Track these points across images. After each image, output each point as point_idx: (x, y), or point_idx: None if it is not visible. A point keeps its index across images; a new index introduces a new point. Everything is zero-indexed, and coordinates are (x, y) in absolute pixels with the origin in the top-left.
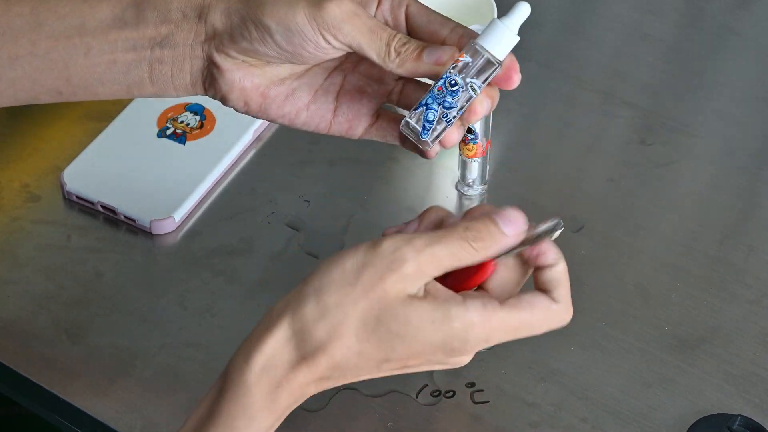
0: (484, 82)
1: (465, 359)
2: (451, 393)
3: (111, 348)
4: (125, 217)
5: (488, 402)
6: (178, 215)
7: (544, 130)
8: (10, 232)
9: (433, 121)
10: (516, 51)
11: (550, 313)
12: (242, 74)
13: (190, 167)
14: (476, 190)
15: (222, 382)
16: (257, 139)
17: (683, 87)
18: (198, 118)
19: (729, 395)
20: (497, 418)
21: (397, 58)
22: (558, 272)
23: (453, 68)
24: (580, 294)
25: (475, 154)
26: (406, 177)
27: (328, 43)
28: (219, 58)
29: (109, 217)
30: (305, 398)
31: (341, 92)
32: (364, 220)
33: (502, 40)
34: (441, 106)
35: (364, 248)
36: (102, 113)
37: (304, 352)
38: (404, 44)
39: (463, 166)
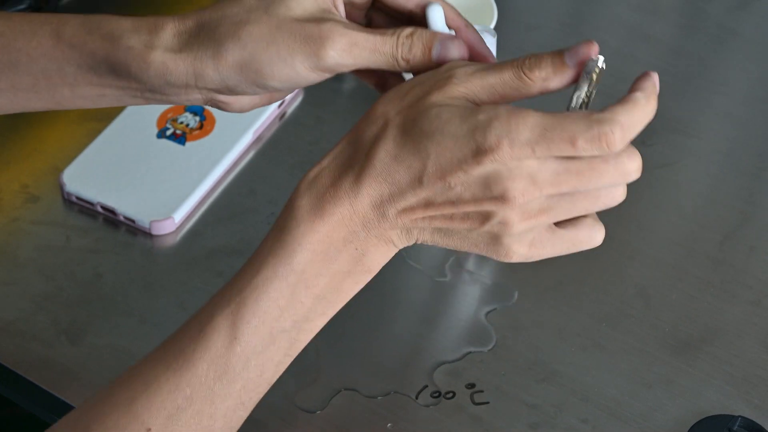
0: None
1: (512, 243)
2: (451, 394)
3: (110, 349)
4: (125, 217)
5: (488, 403)
6: (178, 216)
7: None
8: (9, 232)
9: None
10: (516, 52)
11: (596, 227)
12: (247, 100)
13: (189, 168)
14: None
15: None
16: (257, 139)
17: (684, 87)
18: (198, 118)
19: (729, 396)
20: (497, 419)
21: (407, 65)
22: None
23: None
24: (580, 295)
25: None
26: None
27: (335, 73)
28: (221, 97)
29: (109, 217)
30: (353, 222)
31: None
32: None
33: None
34: None
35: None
36: (102, 114)
37: (351, 159)
38: (410, 49)
39: None
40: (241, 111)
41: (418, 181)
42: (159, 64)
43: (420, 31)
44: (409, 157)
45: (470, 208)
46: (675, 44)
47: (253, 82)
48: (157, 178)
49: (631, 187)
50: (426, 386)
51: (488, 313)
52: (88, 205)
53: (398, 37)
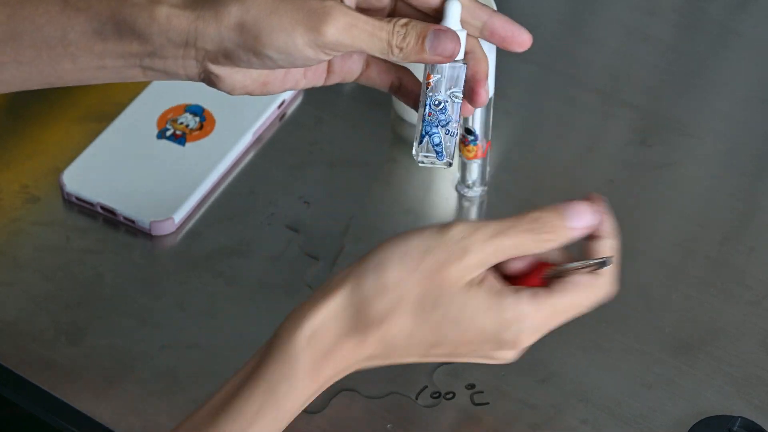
0: (458, 86)
1: (512, 354)
2: (451, 394)
3: (110, 349)
4: (125, 218)
5: (488, 404)
6: (178, 216)
7: (544, 131)
8: (9, 233)
9: (440, 142)
10: (516, 53)
11: (594, 289)
12: (241, 75)
13: (189, 168)
14: (476, 192)
15: (266, 348)
16: (257, 140)
17: (683, 88)
18: (198, 119)
19: (729, 397)
20: (497, 420)
21: (400, 53)
22: (606, 246)
23: (430, 91)
24: None
25: (475, 155)
26: (406, 178)
27: (330, 56)
28: (214, 68)
29: (109, 218)
30: (347, 373)
31: None
32: (363, 221)
33: None
34: (439, 126)
35: (433, 232)
36: (101, 114)
37: (358, 324)
38: (404, 37)
39: (463, 167)
40: (232, 91)
41: (426, 350)
42: (163, 18)
43: (415, 22)
44: (425, 335)
45: (469, 359)
46: (675, 44)
47: (250, 48)
48: (157, 179)
49: (631, 187)
50: (426, 387)
51: None
52: (88, 206)
53: (394, 25)
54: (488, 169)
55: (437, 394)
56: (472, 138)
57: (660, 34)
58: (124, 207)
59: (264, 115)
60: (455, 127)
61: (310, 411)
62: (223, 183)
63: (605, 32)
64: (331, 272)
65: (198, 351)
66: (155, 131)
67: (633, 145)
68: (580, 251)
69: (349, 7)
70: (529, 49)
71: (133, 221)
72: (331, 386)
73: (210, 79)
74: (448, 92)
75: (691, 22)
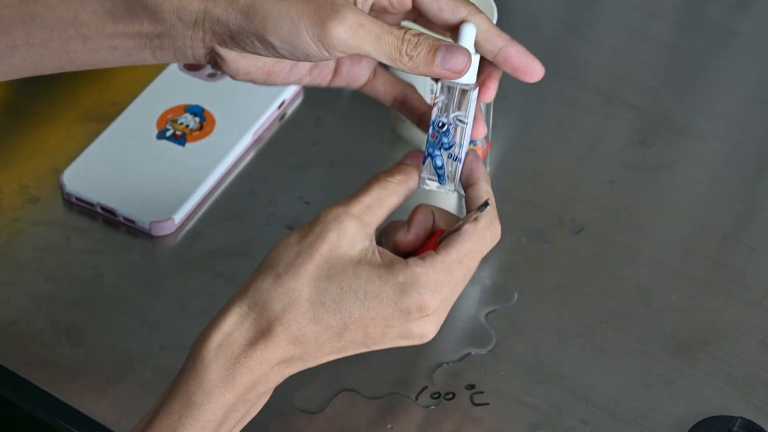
0: (468, 109)
1: (428, 326)
2: (450, 395)
3: (110, 349)
4: (125, 218)
5: (488, 404)
6: (178, 217)
7: (544, 131)
8: (9, 233)
9: (443, 166)
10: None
11: (479, 232)
12: (246, 62)
13: (189, 169)
14: None
15: (183, 364)
16: (257, 140)
17: (683, 88)
18: (198, 119)
19: (729, 397)
20: (497, 420)
21: (409, 62)
22: (481, 190)
23: (434, 112)
24: (580, 296)
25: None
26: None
27: (334, 55)
28: (221, 51)
29: (109, 218)
30: (271, 381)
31: None
32: None
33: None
34: (442, 149)
35: (305, 224)
36: (101, 114)
37: (261, 325)
38: (415, 46)
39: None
40: (236, 75)
41: (337, 336)
42: None
43: (426, 35)
44: (329, 316)
45: (388, 343)
46: (675, 44)
47: (255, 33)
48: (157, 179)
49: (630, 187)
50: (426, 387)
51: (488, 314)
52: (88, 206)
53: (405, 32)
54: (488, 169)
55: (437, 395)
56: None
57: (660, 34)
58: (124, 207)
59: (264, 116)
60: (459, 151)
61: (310, 411)
62: (223, 183)
63: (605, 33)
64: None
65: None
66: (155, 131)
67: (633, 145)
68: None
69: (360, 9)
70: (528, 50)
71: (133, 221)
72: (332, 386)
73: (215, 61)
74: (453, 115)
75: (690, 23)
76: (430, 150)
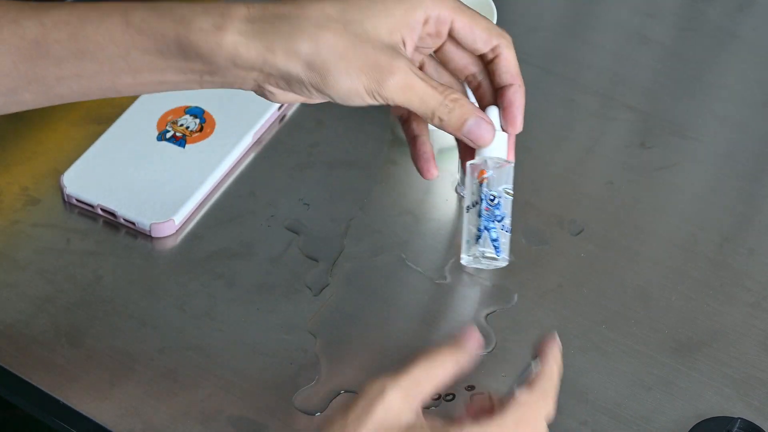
0: (509, 183)
1: None
2: (451, 396)
3: (110, 351)
4: (125, 220)
5: None
6: (178, 218)
7: (544, 133)
8: (9, 235)
9: (498, 238)
10: (516, 54)
11: (531, 404)
12: (293, 97)
13: (189, 170)
14: None
15: None
16: (257, 142)
17: (683, 90)
18: (198, 121)
19: (729, 398)
20: None
21: (439, 123)
22: (547, 368)
23: (485, 186)
24: (579, 297)
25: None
26: (406, 180)
27: (379, 104)
28: (271, 88)
29: (109, 220)
30: None
31: None
32: (363, 223)
33: (500, 142)
34: (495, 221)
35: (353, 398)
36: (102, 116)
37: None
38: (449, 112)
39: (463, 169)
40: (277, 102)
41: None
42: (230, 46)
43: (465, 101)
44: None
45: None
46: (674, 47)
47: (313, 85)
48: (158, 181)
49: (630, 189)
50: None
51: (488, 315)
52: (88, 208)
53: (445, 98)
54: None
55: (437, 396)
56: None
57: (659, 36)
58: (124, 209)
59: (264, 117)
60: (509, 223)
61: (310, 411)
62: (224, 185)
63: (605, 35)
64: (331, 274)
65: (198, 352)
66: (155, 133)
67: (632, 147)
68: None
69: (412, 67)
70: (528, 52)
71: (133, 223)
72: (331, 387)
73: (263, 94)
74: (501, 188)
75: (690, 25)
76: (486, 224)
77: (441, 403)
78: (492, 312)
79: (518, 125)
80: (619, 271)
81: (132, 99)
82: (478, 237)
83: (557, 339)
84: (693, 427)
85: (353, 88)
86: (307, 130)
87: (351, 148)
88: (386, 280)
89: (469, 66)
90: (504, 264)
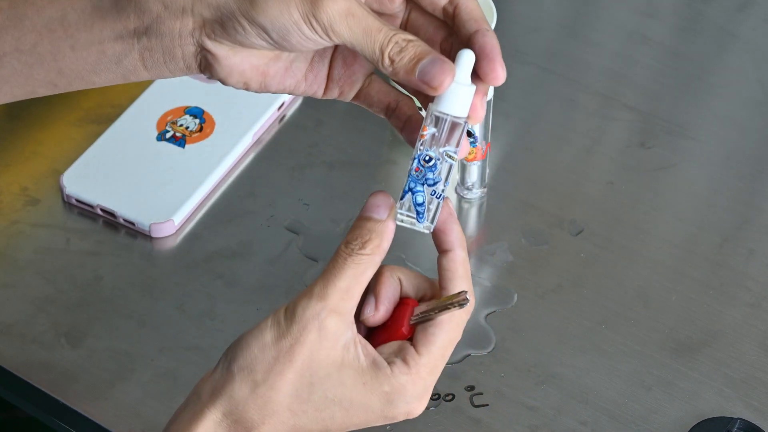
0: (458, 145)
1: (416, 410)
2: (450, 396)
3: (110, 351)
4: (125, 220)
5: (488, 405)
6: (178, 218)
7: (544, 133)
8: (9, 235)
9: (424, 203)
10: (516, 54)
11: (456, 322)
12: (239, 58)
13: (189, 170)
14: (475, 194)
15: None
16: (256, 142)
17: (683, 90)
18: (197, 121)
19: (728, 398)
20: (497, 422)
21: (390, 66)
22: (455, 262)
23: (421, 144)
24: (579, 297)
25: (475, 157)
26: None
27: (324, 40)
28: (212, 46)
29: (109, 220)
30: None
31: (335, 57)
32: None
33: (458, 96)
34: (425, 185)
35: (280, 316)
36: (101, 116)
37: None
38: (400, 50)
39: (463, 169)
40: (229, 77)
41: None
42: None
43: (418, 42)
44: (311, 424)
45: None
46: (674, 47)
47: (245, 14)
48: (157, 181)
49: (630, 189)
50: None
51: (488, 315)
52: (88, 208)
53: (396, 34)
54: (488, 171)
55: (437, 396)
56: (471, 140)
57: (659, 36)
58: (124, 209)
59: (263, 117)
60: (442, 189)
61: None
62: (223, 185)
63: (605, 35)
64: None
65: (198, 353)
66: (155, 133)
67: (632, 147)
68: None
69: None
70: (528, 52)
71: (133, 223)
72: None
73: (207, 61)
74: (442, 149)
75: (690, 25)
76: (412, 185)
77: (441, 404)
78: (492, 312)
79: (498, 73)
80: (619, 271)
81: (131, 99)
82: (402, 197)
83: (450, 206)
84: (693, 427)
85: (285, 11)
86: (307, 130)
87: (350, 148)
88: None
89: (437, 35)
90: (426, 232)
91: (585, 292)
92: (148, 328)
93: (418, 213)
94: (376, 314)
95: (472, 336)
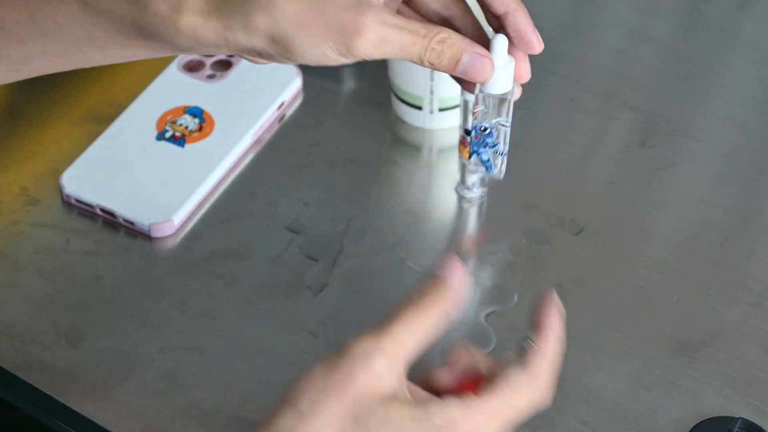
0: (508, 115)
1: None
2: None
3: (110, 352)
4: (124, 220)
5: None
6: (178, 218)
7: (544, 132)
8: (8, 235)
9: (489, 159)
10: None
11: (528, 388)
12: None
13: (189, 170)
14: (476, 193)
15: None
16: (256, 141)
17: (684, 89)
18: (197, 120)
19: (729, 398)
20: None
21: (432, 67)
22: (546, 342)
23: (475, 119)
24: (580, 297)
25: None
26: (406, 179)
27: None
28: (246, 56)
29: (108, 220)
30: None
31: None
32: (363, 222)
33: (499, 77)
34: (486, 147)
35: (333, 355)
36: (101, 116)
37: None
38: (438, 55)
39: (463, 168)
40: (255, 62)
41: None
42: (189, 30)
43: (453, 40)
44: None
45: None
46: (675, 45)
47: (282, 56)
48: (157, 181)
49: (631, 189)
50: None
51: (488, 315)
52: (87, 208)
53: (430, 41)
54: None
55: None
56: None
57: (660, 35)
58: (123, 209)
59: (263, 117)
60: (503, 147)
61: None
62: (223, 184)
63: (605, 33)
64: (331, 274)
65: (198, 353)
66: (154, 133)
67: (633, 146)
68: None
69: (382, 18)
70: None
71: (132, 223)
72: None
73: (246, 58)
74: (494, 121)
75: (691, 24)
76: (475, 148)
77: None
78: (492, 312)
79: (536, 44)
80: (619, 271)
81: (131, 98)
82: (470, 156)
83: (557, 301)
84: (693, 427)
85: (321, 54)
86: (307, 129)
87: (351, 148)
88: (386, 280)
89: (442, 10)
90: (500, 177)
91: (585, 292)
92: (148, 328)
93: (486, 167)
94: (447, 377)
95: (472, 336)
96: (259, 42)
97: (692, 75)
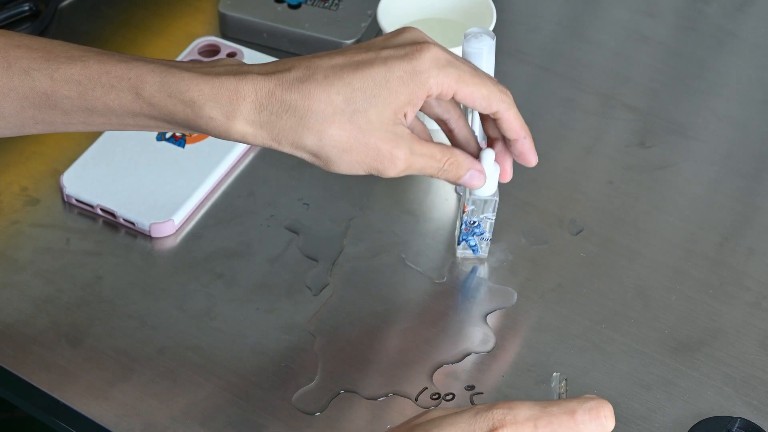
0: (493, 210)
1: None
2: (450, 396)
3: (110, 351)
4: (124, 220)
5: None
6: (178, 218)
7: (544, 132)
8: (9, 235)
9: (476, 244)
10: (515, 54)
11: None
12: None
13: (189, 170)
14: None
15: None
16: None
17: (682, 89)
18: None
19: (728, 398)
20: None
21: (440, 177)
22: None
23: (465, 215)
24: (579, 296)
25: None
26: (406, 180)
27: None
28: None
29: (109, 220)
30: None
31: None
32: (363, 223)
33: (487, 183)
34: (474, 235)
35: (470, 415)
36: None
37: None
38: (447, 173)
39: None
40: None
41: None
42: (238, 135)
43: (460, 159)
44: None
45: None
46: (674, 46)
47: (318, 166)
48: (157, 181)
49: (630, 188)
50: (426, 388)
51: (488, 314)
52: (87, 208)
53: (443, 164)
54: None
55: (437, 396)
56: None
57: (659, 36)
58: (123, 209)
59: None
60: (489, 234)
61: (310, 412)
62: (223, 185)
63: (604, 34)
64: (331, 274)
65: (197, 353)
66: (155, 133)
67: (632, 146)
68: None
69: (412, 149)
70: (528, 52)
71: (132, 223)
72: (331, 387)
73: None
74: (482, 216)
75: (689, 24)
76: (464, 237)
77: (441, 403)
78: (492, 312)
79: (534, 162)
80: (619, 271)
81: None
82: (459, 243)
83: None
84: (693, 427)
85: (354, 171)
86: None
87: None
88: (386, 280)
89: (443, 113)
90: (483, 256)
91: (585, 292)
92: (148, 328)
93: (473, 250)
94: None
95: (472, 335)
96: (301, 155)
97: (691, 75)
